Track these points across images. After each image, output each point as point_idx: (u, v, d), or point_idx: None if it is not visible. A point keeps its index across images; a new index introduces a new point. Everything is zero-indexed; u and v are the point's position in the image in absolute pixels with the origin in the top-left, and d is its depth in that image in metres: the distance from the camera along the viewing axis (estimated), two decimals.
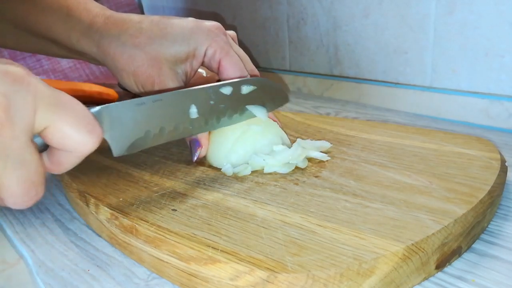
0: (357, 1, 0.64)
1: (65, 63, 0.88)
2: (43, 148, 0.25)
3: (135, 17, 0.42)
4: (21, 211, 0.39)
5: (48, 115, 0.23)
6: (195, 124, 0.36)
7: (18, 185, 0.22)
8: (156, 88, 0.40)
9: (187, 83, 0.42)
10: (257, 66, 0.88)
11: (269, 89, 0.41)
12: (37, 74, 0.84)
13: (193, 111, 0.35)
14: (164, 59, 0.40)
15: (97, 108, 0.29)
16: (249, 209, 0.31)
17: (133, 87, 0.41)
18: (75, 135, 0.24)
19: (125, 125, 0.31)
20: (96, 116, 0.28)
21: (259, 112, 0.39)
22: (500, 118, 0.52)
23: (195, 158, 0.38)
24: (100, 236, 0.34)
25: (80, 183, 0.38)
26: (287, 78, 0.81)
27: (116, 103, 0.31)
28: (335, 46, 0.70)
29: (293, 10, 0.75)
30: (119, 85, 0.75)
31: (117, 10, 0.45)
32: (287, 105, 0.69)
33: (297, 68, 0.79)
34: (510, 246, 0.29)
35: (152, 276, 0.29)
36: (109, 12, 0.43)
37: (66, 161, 0.25)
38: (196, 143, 0.38)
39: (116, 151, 0.31)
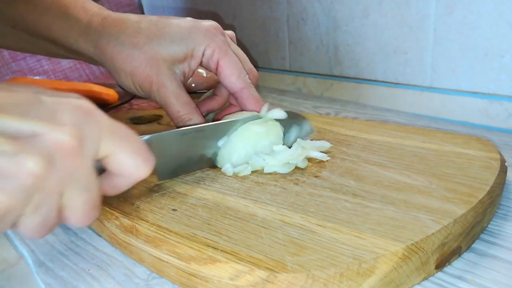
0: (357, 1, 0.64)
1: (65, 63, 0.88)
2: (98, 172, 0.26)
3: (133, 17, 0.42)
4: None
5: (110, 145, 0.25)
6: None
7: (82, 207, 0.25)
8: (154, 88, 0.40)
9: (185, 83, 0.42)
10: (256, 66, 0.88)
11: (296, 118, 0.42)
12: (37, 74, 0.84)
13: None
14: (162, 59, 0.40)
15: (148, 136, 0.33)
16: (249, 209, 0.31)
17: (131, 87, 0.41)
18: (131, 162, 0.26)
19: (170, 152, 0.35)
20: (147, 143, 0.30)
21: (277, 113, 0.41)
22: (500, 118, 0.52)
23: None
24: (100, 236, 0.34)
25: None
26: (287, 78, 0.81)
27: (163, 132, 0.34)
28: (335, 46, 0.70)
29: (293, 10, 0.75)
30: (119, 85, 0.75)
31: (117, 10, 0.45)
32: (287, 105, 0.69)
33: (297, 68, 0.79)
34: (510, 246, 0.29)
35: (152, 276, 0.29)
36: (107, 12, 0.43)
37: (121, 185, 0.28)
38: None
39: (161, 176, 0.36)
